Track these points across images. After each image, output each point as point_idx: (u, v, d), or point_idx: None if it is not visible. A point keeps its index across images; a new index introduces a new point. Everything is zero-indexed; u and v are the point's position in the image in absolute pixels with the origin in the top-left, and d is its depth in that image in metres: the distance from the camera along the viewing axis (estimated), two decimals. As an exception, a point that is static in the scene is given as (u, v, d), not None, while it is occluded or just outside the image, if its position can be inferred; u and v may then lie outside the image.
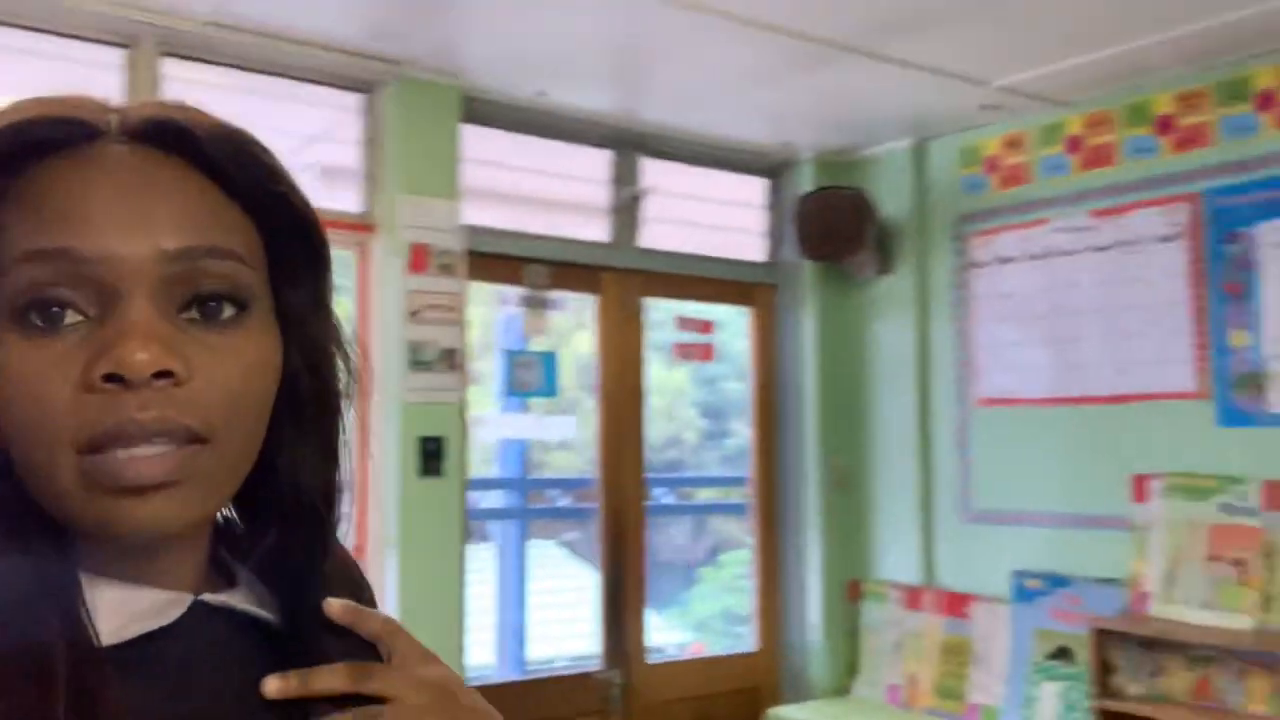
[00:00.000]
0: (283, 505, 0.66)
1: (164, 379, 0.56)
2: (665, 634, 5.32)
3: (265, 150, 0.64)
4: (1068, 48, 3.21)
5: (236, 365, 0.59)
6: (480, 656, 4.08)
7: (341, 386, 0.68)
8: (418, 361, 3.29)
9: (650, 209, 4.02)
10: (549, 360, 3.74)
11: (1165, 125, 3.42)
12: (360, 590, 0.74)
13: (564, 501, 5.41)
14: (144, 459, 0.56)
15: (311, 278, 0.66)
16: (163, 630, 0.60)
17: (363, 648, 0.68)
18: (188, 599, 0.61)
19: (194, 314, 0.59)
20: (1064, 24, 3.05)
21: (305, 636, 0.66)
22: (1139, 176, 3.47)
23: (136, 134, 0.61)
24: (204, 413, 0.57)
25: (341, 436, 0.68)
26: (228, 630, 0.63)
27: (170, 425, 0.56)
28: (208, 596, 0.63)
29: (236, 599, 0.65)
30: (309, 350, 0.66)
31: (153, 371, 0.55)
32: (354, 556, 0.77)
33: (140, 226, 0.57)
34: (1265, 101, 3.20)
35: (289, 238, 0.65)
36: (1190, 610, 3.20)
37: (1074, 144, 3.65)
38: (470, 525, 3.56)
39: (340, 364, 0.68)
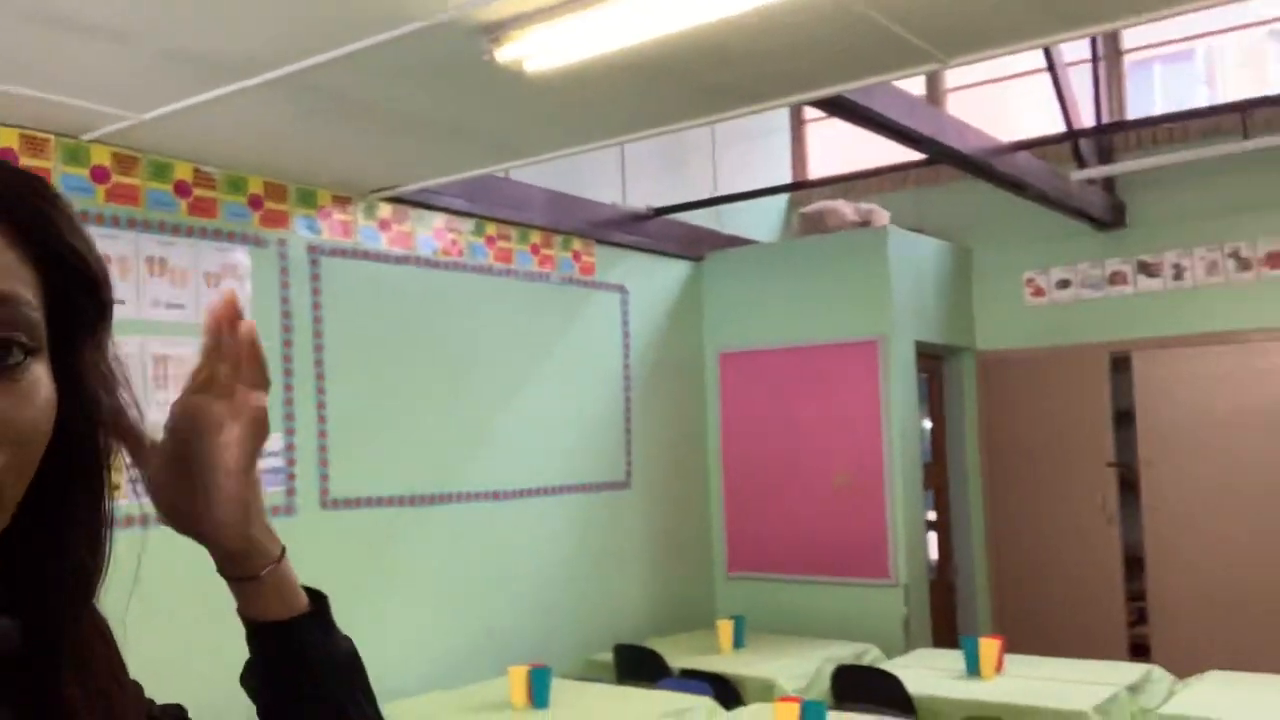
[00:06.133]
0: (42, 552, 0.63)
1: None
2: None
3: (60, 199, 0.63)
4: None
5: (30, 409, 0.59)
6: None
7: (112, 437, 0.66)
8: None
9: None
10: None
11: None
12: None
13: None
14: None
15: (93, 329, 0.65)
16: None
17: (104, 693, 0.65)
18: None
19: None
20: None
21: (43, 670, 0.62)
22: None
23: None
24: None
25: (109, 487, 0.66)
26: None
27: None
28: None
29: None
30: (86, 398, 0.64)
31: None
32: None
33: None
34: None
35: (75, 289, 0.63)
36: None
37: None
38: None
39: (114, 413, 0.66)
